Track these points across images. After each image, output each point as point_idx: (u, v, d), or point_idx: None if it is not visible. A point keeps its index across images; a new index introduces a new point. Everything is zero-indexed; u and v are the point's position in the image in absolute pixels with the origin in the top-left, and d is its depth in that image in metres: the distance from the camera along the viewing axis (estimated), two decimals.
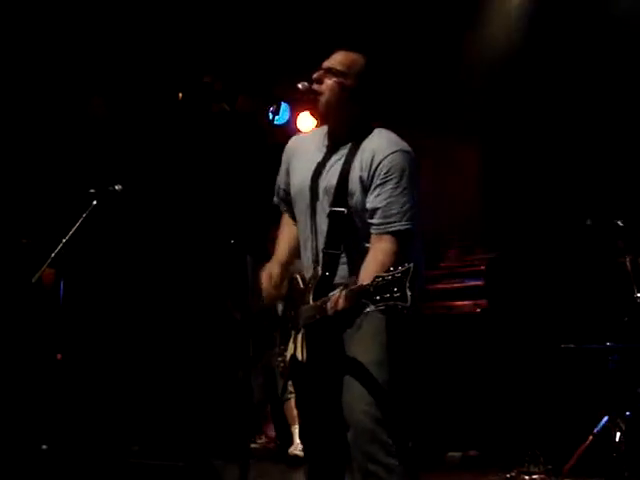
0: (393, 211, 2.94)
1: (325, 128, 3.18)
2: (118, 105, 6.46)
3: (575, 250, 5.00)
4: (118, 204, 4.75)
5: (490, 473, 5.28)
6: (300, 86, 3.10)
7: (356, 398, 2.92)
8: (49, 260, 4.53)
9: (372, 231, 2.97)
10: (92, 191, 4.61)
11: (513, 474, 5.13)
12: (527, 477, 5.03)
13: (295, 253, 3.25)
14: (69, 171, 6.12)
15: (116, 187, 4.63)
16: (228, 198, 6.05)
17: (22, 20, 5.91)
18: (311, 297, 3.00)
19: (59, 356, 4.63)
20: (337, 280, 3.01)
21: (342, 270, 3.02)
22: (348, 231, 3.01)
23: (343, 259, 3.02)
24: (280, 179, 3.31)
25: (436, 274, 6.20)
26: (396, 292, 2.57)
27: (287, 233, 3.30)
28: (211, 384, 5.92)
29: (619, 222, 4.55)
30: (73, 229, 4.53)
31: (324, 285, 2.99)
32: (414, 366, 3.07)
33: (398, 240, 2.93)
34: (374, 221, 2.96)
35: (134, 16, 6.11)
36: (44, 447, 4.35)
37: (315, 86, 3.06)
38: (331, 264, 3.01)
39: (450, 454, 5.75)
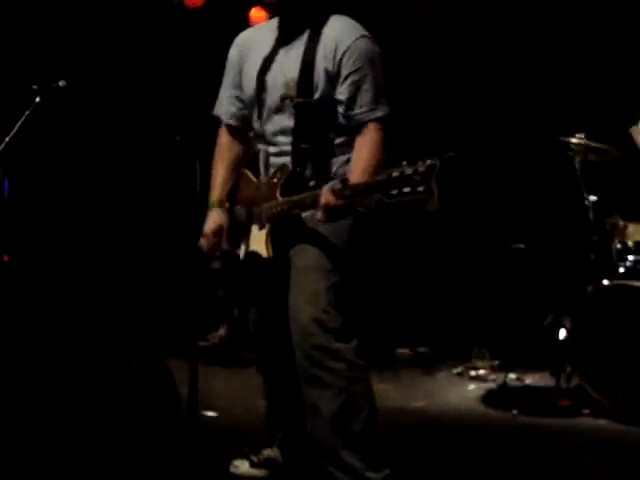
0: (370, 98, 2.86)
1: (274, 21, 3.04)
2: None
3: (527, 152, 5.02)
4: (62, 100, 4.61)
5: (439, 369, 5.41)
6: None
7: (303, 301, 2.84)
8: None
9: (351, 123, 2.88)
10: (35, 87, 4.48)
11: (460, 370, 5.28)
12: (473, 372, 5.18)
13: (233, 176, 3.15)
14: (11, 67, 5.90)
15: (60, 83, 4.49)
16: (175, 97, 5.90)
17: None
18: (279, 192, 2.89)
19: (5, 257, 4.56)
20: (309, 175, 2.91)
21: (313, 165, 2.92)
22: (315, 124, 2.91)
23: (312, 154, 2.92)
24: (227, 83, 3.14)
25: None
26: (419, 187, 2.41)
27: (225, 157, 3.16)
28: (162, 282, 5.88)
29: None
30: (16, 127, 4.41)
31: (296, 181, 2.89)
32: (368, 267, 3.03)
33: (382, 127, 2.87)
34: (353, 112, 2.88)
35: None
36: None
37: None
38: (302, 159, 2.91)
39: (400, 350, 5.86)
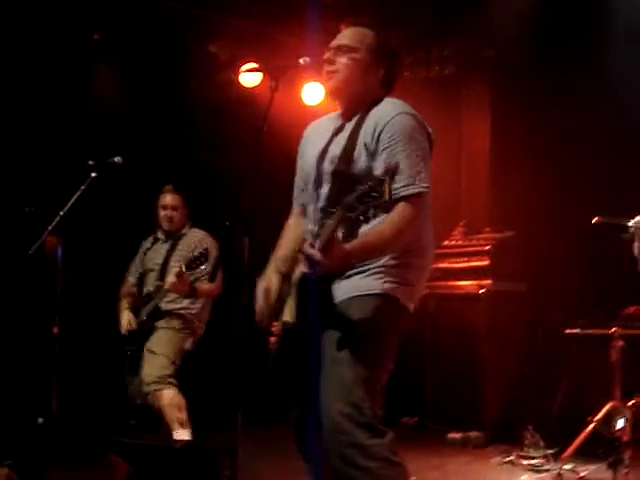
0: (404, 174, 2.79)
1: (337, 112, 3.07)
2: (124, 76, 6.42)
3: (578, 234, 4.93)
4: (117, 176, 4.70)
5: (491, 456, 5.24)
6: (301, 61, 3.00)
7: (332, 395, 2.72)
8: (46, 232, 4.51)
9: None
10: (91, 163, 4.59)
11: (512, 457, 5.09)
12: (526, 462, 4.99)
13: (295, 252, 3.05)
14: (71, 142, 6.08)
15: (116, 159, 4.60)
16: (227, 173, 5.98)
17: None
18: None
19: (55, 330, 4.57)
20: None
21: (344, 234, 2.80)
22: (349, 192, 2.78)
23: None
24: (297, 171, 3.16)
25: (440, 253, 6.12)
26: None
27: (292, 231, 3.12)
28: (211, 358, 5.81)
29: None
30: (72, 200, 4.52)
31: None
32: (399, 353, 2.90)
33: (412, 205, 2.79)
34: None
35: None
36: (40, 420, 4.33)
37: (327, 67, 2.95)
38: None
39: (451, 435, 5.70)
